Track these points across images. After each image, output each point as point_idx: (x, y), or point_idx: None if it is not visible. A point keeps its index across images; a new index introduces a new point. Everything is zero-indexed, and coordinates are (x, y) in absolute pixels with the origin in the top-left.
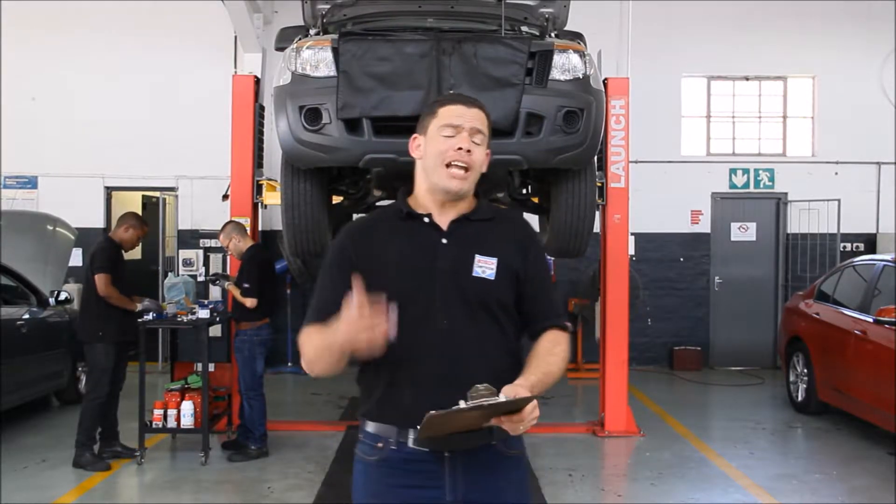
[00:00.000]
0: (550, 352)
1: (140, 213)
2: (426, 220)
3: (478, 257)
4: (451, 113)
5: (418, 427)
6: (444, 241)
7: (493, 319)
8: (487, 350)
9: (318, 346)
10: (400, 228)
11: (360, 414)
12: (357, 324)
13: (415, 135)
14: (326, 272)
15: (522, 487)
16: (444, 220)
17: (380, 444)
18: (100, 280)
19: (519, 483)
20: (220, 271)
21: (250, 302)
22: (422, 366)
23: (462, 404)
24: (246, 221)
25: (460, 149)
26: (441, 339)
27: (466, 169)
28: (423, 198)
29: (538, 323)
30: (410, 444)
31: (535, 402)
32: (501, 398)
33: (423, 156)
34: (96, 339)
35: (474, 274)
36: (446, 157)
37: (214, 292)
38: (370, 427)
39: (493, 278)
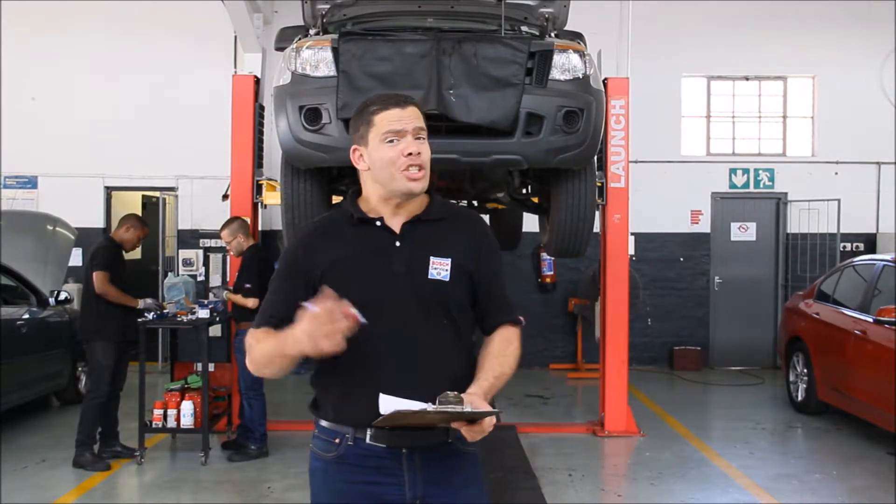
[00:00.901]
0: (503, 352)
1: (140, 212)
2: (378, 223)
3: (432, 259)
4: (388, 119)
5: (379, 417)
6: (398, 244)
7: (449, 320)
8: (444, 351)
9: (268, 352)
10: (352, 233)
11: (317, 414)
12: (321, 328)
13: (354, 146)
14: (278, 279)
15: (478, 483)
16: (395, 223)
17: (336, 440)
18: (97, 277)
19: (475, 479)
20: (218, 284)
21: (252, 302)
22: (379, 369)
23: (429, 407)
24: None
25: (410, 153)
26: (399, 342)
27: (421, 168)
28: (376, 203)
29: (491, 319)
30: (368, 440)
31: (494, 416)
32: (467, 408)
33: (370, 167)
34: (96, 338)
35: (430, 276)
36: (399, 163)
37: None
38: (326, 424)
39: (448, 280)
